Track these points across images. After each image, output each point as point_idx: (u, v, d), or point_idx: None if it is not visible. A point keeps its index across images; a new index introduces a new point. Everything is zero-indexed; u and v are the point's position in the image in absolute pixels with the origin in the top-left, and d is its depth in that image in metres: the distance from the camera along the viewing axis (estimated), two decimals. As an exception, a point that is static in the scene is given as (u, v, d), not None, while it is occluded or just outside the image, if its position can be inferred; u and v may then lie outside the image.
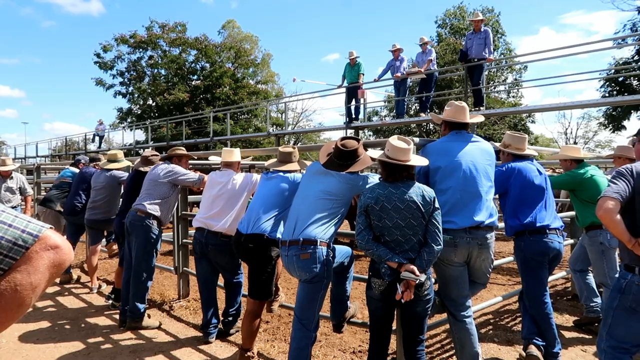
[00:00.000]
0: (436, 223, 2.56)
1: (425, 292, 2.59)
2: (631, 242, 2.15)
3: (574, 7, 61.63)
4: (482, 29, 9.43)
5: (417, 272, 2.44)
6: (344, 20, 69.57)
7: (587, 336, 4.07)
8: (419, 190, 2.57)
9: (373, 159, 2.97)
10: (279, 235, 3.23)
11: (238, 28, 31.69)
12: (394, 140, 2.66)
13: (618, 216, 2.13)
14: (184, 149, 4.61)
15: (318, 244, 2.78)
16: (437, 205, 2.58)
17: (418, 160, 2.72)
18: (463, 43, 10.22)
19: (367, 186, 2.84)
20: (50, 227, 1.02)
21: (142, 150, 20.17)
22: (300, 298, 2.90)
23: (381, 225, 2.58)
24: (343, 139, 2.99)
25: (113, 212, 5.25)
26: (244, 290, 3.95)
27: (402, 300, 2.44)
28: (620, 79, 19.19)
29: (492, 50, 9.47)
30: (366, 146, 3.28)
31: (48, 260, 0.98)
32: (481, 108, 9.65)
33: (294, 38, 70.60)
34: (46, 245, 0.99)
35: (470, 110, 3.43)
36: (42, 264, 0.97)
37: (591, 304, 4.20)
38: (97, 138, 23.63)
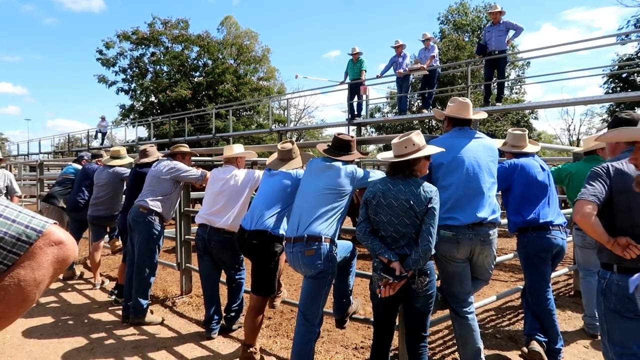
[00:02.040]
0: (428, 224, 2.51)
1: (427, 288, 2.59)
2: (610, 243, 2.10)
3: (576, 4, 61.32)
4: (501, 21, 9.24)
5: (398, 272, 2.46)
6: (346, 17, 69.46)
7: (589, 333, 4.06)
8: (416, 189, 2.54)
9: (364, 154, 3.11)
10: (282, 231, 3.24)
11: (235, 24, 31.56)
12: (395, 140, 2.70)
13: (596, 219, 2.09)
14: (186, 145, 4.62)
15: (322, 240, 2.80)
16: (432, 205, 2.52)
17: (425, 151, 2.66)
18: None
19: (371, 179, 2.89)
20: (55, 223, 1.01)
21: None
22: (305, 294, 2.92)
23: (377, 220, 2.61)
24: (339, 134, 3.15)
25: (116, 208, 5.27)
26: (247, 286, 3.96)
27: (379, 295, 2.49)
28: (624, 75, 19.09)
29: (520, 26, 9.15)
30: (367, 142, 3.35)
31: (52, 255, 0.98)
32: (498, 104, 9.64)
33: (295, 35, 70.54)
34: (50, 240, 0.98)
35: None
36: (46, 259, 0.97)
37: None
38: (99, 135, 23.67)
